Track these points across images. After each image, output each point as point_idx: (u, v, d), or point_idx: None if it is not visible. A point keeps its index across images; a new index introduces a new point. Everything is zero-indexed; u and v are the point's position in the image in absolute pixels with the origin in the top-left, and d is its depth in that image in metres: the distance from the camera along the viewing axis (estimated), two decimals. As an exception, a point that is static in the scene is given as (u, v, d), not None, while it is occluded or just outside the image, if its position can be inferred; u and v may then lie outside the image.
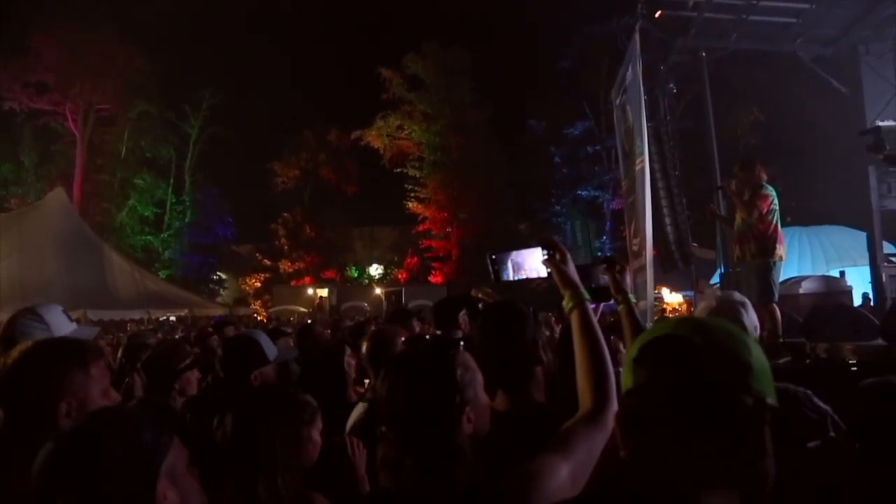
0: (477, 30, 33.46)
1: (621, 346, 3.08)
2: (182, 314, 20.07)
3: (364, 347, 2.48)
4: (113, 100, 29.35)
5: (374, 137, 29.97)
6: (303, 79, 35.77)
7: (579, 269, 1.81)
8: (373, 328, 3.47)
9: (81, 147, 29.30)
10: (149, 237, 31.41)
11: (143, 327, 15.67)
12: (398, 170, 29.88)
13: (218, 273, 33.65)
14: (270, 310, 28.71)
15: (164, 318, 19.47)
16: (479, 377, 1.43)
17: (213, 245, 32.82)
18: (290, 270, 32.72)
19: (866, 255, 10.97)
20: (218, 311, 21.38)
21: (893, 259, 10.79)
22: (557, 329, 5.91)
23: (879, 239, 10.70)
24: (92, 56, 27.92)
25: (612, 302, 2.36)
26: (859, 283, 11.00)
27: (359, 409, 2.35)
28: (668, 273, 13.94)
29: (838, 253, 13.95)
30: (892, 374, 3.74)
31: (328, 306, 28.33)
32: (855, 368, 4.88)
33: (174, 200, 32.46)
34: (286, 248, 32.98)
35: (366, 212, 34.14)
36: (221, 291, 33.26)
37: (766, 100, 12.47)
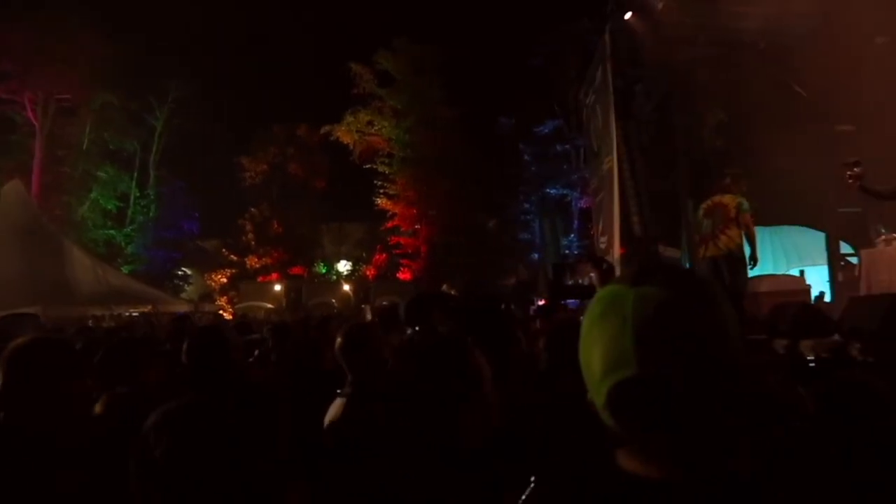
0: (448, 26, 33.57)
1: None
2: (146, 310, 19.71)
3: (338, 342, 2.48)
4: (74, 89, 28.53)
5: (344, 133, 29.79)
6: (272, 73, 35.51)
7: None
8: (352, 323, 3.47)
9: (41, 138, 28.46)
10: (111, 231, 30.72)
11: (104, 324, 15.36)
12: (367, 166, 29.76)
13: (183, 269, 33.12)
14: (237, 306, 28.39)
15: (127, 314, 19.11)
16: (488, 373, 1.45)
17: (177, 240, 32.27)
18: (257, 266, 32.37)
19: (825, 254, 11.27)
20: (183, 308, 21.06)
21: (850, 259, 11.10)
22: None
23: (836, 239, 11.02)
24: (53, 44, 27.11)
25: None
26: (817, 282, 11.30)
27: (337, 404, 2.35)
28: (620, 274, 14.12)
29: (798, 253, 14.30)
30: (846, 368, 3.87)
31: (286, 302, 28.03)
32: (813, 364, 5.02)
33: (138, 194, 31.81)
34: (253, 243, 32.61)
35: (334, 208, 34.01)
36: (186, 287, 32.76)
37: (731, 102, 12.69)
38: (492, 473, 1.31)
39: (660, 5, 10.13)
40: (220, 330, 2.53)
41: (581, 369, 0.87)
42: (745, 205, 7.24)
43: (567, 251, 27.45)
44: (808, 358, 5.20)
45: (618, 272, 10.38)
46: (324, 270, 34.69)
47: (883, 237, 10.14)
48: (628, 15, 10.58)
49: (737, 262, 6.96)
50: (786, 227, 14.16)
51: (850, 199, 11.17)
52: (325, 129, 30.35)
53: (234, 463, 1.87)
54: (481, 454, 1.34)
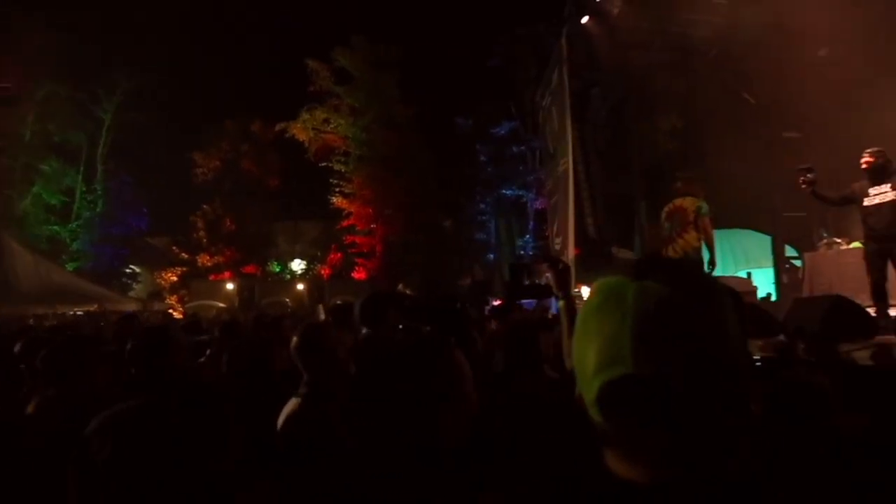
0: (407, 25, 33.47)
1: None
2: (91, 309, 19.12)
3: (294, 342, 2.43)
4: (16, 78, 27.39)
5: (300, 130, 29.40)
6: (226, 67, 34.83)
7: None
8: (308, 322, 3.41)
9: (-23, 128, 27.31)
10: (55, 227, 29.63)
11: (47, 322, 14.84)
12: (323, 164, 29.43)
13: (131, 266, 32.24)
14: (187, 305, 27.76)
15: (72, 313, 18.51)
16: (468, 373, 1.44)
17: (125, 237, 31.38)
18: (209, 264, 31.73)
19: (770, 257, 11.60)
20: (131, 307, 20.50)
21: (794, 262, 11.47)
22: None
23: (782, 243, 11.35)
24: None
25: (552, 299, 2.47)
26: (763, 284, 11.62)
27: (291, 404, 2.30)
28: (590, 272, 14.29)
29: (745, 255, 14.71)
30: (790, 368, 3.98)
31: (238, 301, 27.57)
32: (759, 363, 5.16)
33: (84, 189, 30.74)
34: (205, 241, 31.94)
35: (289, 206, 33.56)
36: (134, 286, 31.91)
37: (685, 107, 12.98)
38: (468, 474, 1.30)
39: (616, 11, 10.29)
40: (165, 330, 2.45)
41: (575, 363, 0.83)
42: (705, 208, 7.42)
43: (522, 252, 27.66)
44: (755, 357, 5.36)
45: (571, 272, 10.49)
46: (278, 269, 34.22)
47: (825, 241, 10.51)
48: (585, 19, 10.71)
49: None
50: (734, 230, 14.56)
51: (795, 204, 11.56)
52: (280, 125, 29.90)
53: (179, 467, 1.81)
54: (459, 455, 1.32)
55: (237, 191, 32.61)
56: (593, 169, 13.70)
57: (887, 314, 5.73)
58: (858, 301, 5.69)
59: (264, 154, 32.76)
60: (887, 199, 5.99)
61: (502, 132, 28.35)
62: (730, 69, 11.65)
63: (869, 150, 6.21)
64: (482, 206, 30.41)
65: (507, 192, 29.15)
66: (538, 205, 25.81)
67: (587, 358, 0.79)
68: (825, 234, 10.73)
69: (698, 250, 7.35)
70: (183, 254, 32.14)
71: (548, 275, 2.57)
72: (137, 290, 31.29)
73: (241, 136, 32.55)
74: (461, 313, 3.16)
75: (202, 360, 4.48)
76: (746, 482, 0.78)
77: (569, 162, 11.77)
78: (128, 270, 32.09)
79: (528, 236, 28.17)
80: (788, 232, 11.62)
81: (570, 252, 11.48)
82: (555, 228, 13.73)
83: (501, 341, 2.87)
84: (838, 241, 10.19)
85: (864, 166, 6.20)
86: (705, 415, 0.74)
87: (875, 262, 6.18)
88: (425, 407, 1.30)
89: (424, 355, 1.38)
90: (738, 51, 11.30)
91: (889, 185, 6.02)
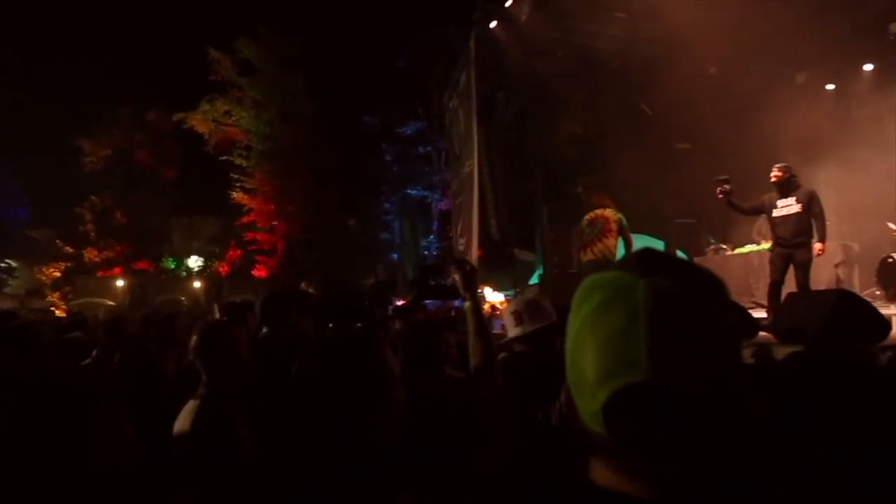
0: (314, 19, 32.78)
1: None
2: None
3: (193, 341, 2.32)
4: None
5: (199, 121, 28.23)
6: (121, 49, 32.79)
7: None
8: (208, 321, 3.27)
9: None
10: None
11: None
12: (224, 157, 28.38)
13: (7, 260, 29.89)
14: (72, 302, 26.04)
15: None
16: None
17: (2, 228, 29.12)
18: (97, 260, 29.89)
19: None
20: (6, 304, 19.04)
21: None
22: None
23: (674, 248, 11.97)
24: None
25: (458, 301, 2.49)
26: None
27: (189, 406, 2.19)
28: (492, 273, 14.55)
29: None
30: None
31: (129, 299, 26.21)
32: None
33: (-47, 175, 28.38)
34: (92, 234, 30.05)
35: (186, 200, 32.00)
36: (10, 281, 29.62)
37: (586, 115, 13.44)
38: (396, 474, 1.27)
39: (524, 18, 10.50)
40: (26, 328, 2.28)
41: (568, 367, 0.75)
42: (625, 221, 8.01)
43: (426, 252, 27.79)
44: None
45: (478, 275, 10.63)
46: (173, 266, 32.67)
47: (712, 247, 11.18)
48: (494, 23, 10.87)
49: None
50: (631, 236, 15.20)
51: (686, 211, 12.23)
52: (178, 115, 28.57)
53: (28, 471, 1.67)
54: (390, 454, 1.29)
55: (130, 182, 30.86)
56: (497, 172, 13.94)
57: (776, 311, 6.12)
58: (741, 303, 6.07)
59: (161, 144, 31.16)
60: (792, 210, 6.58)
61: (409, 132, 28.37)
62: (629, 81, 12.17)
63: (778, 166, 6.78)
64: (387, 205, 30.30)
65: (413, 193, 29.19)
66: (443, 205, 26.03)
67: (587, 363, 0.71)
68: (712, 240, 11.43)
69: (615, 256, 7.79)
70: (67, 248, 30.09)
71: (455, 276, 2.60)
72: (14, 286, 29.10)
73: (136, 125, 30.80)
74: (368, 313, 3.13)
75: (88, 360, 4.20)
76: (746, 484, 0.74)
77: (474, 164, 11.92)
78: (3, 265, 29.76)
79: (432, 237, 28.34)
80: (679, 237, 12.26)
81: (474, 253, 11.63)
82: (459, 229, 13.87)
83: (402, 341, 2.86)
84: (724, 246, 10.88)
85: (773, 180, 6.76)
86: (720, 420, 0.68)
87: (778, 265, 6.71)
88: (358, 406, 1.26)
89: (357, 353, 1.34)
90: (637, 64, 11.82)
91: (794, 197, 6.61)
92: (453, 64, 14.11)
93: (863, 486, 1.47)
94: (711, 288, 0.73)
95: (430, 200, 28.43)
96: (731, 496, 0.71)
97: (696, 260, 11.06)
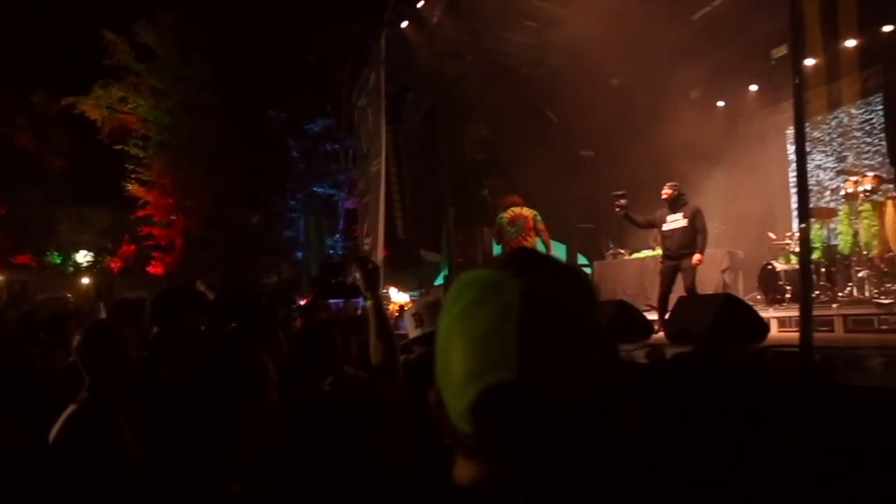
0: (220, 7, 31.57)
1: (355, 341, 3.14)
2: None
3: (76, 342, 2.16)
4: None
5: (91, 107, 26.53)
6: (4, 24, 30.32)
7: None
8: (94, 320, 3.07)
9: None
10: None
11: None
12: (118, 147, 26.84)
13: None
14: (-62, 298, 23.98)
15: None
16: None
17: None
18: (-31, 252, 27.66)
19: (565, 265, 12.63)
20: None
21: (585, 269, 12.53)
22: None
23: (576, 251, 12.40)
24: None
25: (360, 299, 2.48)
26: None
27: (68, 412, 2.04)
28: (398, 273, 14.53)
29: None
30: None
31: (6, 296, 24.42)
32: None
33: None
34: (-36, 225, 27.78)
35: (75, 190, 29.97)
36: None
37: (494, 119, 13.65)
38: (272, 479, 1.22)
39: (435, 19, 10.54)
40: None
41: (437, 365, 0.75)
42: (540, 217, 8.42)
43: (331, 251, 27.45)
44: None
45: (381, 273, 10.58)
46: (58, 261, 30.59)
47: (611, 251, 11.63)
48: (405, 23, 10.85)
49: None
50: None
51: (587, 216, 12.66)
52: (67, 100, 26.74)
53: None
54: (267, 464, 1.23)
55: (10, 170, 28.63)
56: (405, 172, 13.93)
57: (664, 319, 6.52)
58: (637, 305, 6.35)
59: (46, 130, 29.07)
60: (679, 225, 7.14)
61: (316, 129, 27.94)
62: (536, 88, 12.46)
63: (668, 184, 7.35)
64: (292, 202, 29.72)
65: (319, 190, 28.77)
66: (349, 204, 25.76)
67: (456, 361, 0.70)
68: (612, 245, 11.89)
69: None
70: (-66, 239, 27.65)
71: (357, 274, 2.58)
72: None
73: (18, 108, 28.56)
74: (267, 312, 3.04)
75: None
76: (599, 481, 0.74)
77: (382, 163, 11.86)
78: None
79: (337, 235, 28.02)
80: (581, 242, 12.69)
81: (380, 253, 11.57)
82: (365, 229, 13.76)
83: (301, 340, 2.81)
84: (622, 251, 11.33)
85: (663, 197, 7.33)
86: (585, 420, 0.69)
87: (666, 277, 7.25)
88: (226, 411, 1.20)
89: (228, 355, 1.28)
90: (545, 71, 12.12)
91: (681, 213, 7.16)
92: (363, 62, 13.99)
93: (723, 483, 1.55)
94: (583, 290, 0.74)
95: (336, 199, 28.10)
96: (590, 497, 0.72)
97: (597, 263, 11.50)
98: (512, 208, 8.54)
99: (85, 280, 26.91)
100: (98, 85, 26.37)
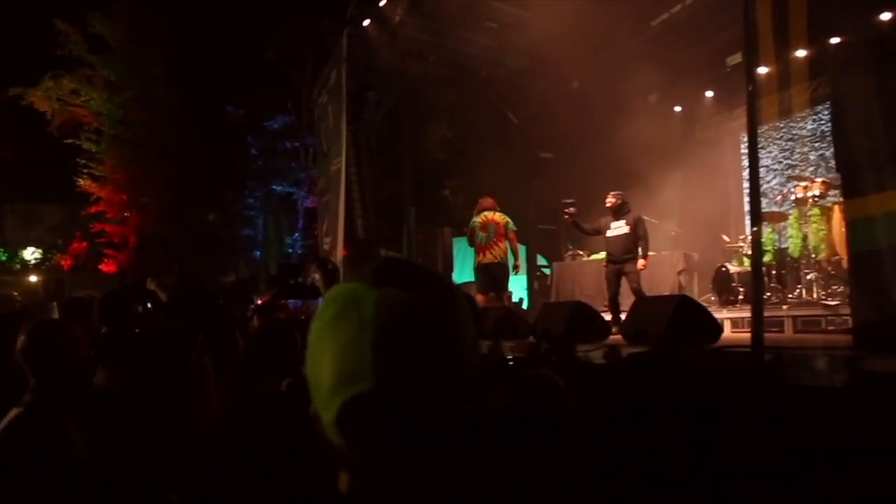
0: (178, 0, 30.92)
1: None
2: None
3: (21, 342, 2.08)
4: None
5: (41, 99, 25.63)
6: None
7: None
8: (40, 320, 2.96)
9: None
10: None
11: None
12: (69, 141, 26.04)
13: None
14: None
15: None
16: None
17: None
18: None
19: (524, 265, 12.67)
20: None
21: (544, 270, 12.65)
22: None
23: (535, 253, 12.50)
24: None
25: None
26: (517, 290, 12.63)
27: (10, 415, 1.96)
28: (357, 273, 14.39)
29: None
30: (539, 366, 4.34)
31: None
32: (511, 362, 5.58)
33: None
34: None
35: (23, 185, 29.02)
36: None
37: (455, 120, 13.67)
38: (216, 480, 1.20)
39: (397, 18, 10.52)
40: None
41: (309, 379, 0.75)
42: (511, 224, 8.67)
43: (291, 250, 27.15)
44: (508, 357, 5.79)
45: (340, 273, 10.50)
46: (4, 258, 29.59)
47: (570, 252, 11.75)
48: (367, 22, 10.80)
49: (504, 269, 8.51)
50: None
51: (547, 218, 12.78)
52: (15, 90, 25.83)
53: None
54: (216, 467, 1.21)
55: (-49, 161, 27.62)
56: (365, 171, 13.84)
57: (619, 319, 6.66)
58: (594, 306, 6.44)
59: (-8, 121, 28.11)
60: (621, 232, 7.50)
61: (276, 126, 27.60)
62: (497, 89, 12.53)
63: (612, 193, 7.74)
64: (250, 200, 29.25)
65: (278, 188, 28.43)
66: (308, 203, 25.52)
67: (322, 373, 0.72)
68: (571, 247, 12.02)
69: (508, 257, 8.57)
70: None
71: (316, 275, 2.55)
72: None
73: (-41, 96, 27.57)
74: (223, 312, 2.99)
75: None
76: (477, 487, 0.76)
77: (342, 162, 11.78)
78: None
79: (297, 234, 27.73)
80: (540, 243, 12.80)
81: (340, 252, 11.48)
82: (325, 228, 13.64)
83: (257, 341, 2.77)
84: (581, 253, 11.46)
85: (608, 205, 7.71)
86: (442, 431, 0.70)
87: (612, 281, 7.62)
88: (162, 419, 1.17)
89: (166, 361, 1.26)
90: (506, 73, 12.19)
91: (624, 221, 7.52)
92: (324, 59, 13.88)
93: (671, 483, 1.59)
94: (447, 300, 0.75)
95: (295, 197, 27.80)
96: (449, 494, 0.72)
97: (556, 265, 11.60)
98: (485, 213, 8.72)
99: (33, 278, 26.07)
100: (48, 76, 25.54)
